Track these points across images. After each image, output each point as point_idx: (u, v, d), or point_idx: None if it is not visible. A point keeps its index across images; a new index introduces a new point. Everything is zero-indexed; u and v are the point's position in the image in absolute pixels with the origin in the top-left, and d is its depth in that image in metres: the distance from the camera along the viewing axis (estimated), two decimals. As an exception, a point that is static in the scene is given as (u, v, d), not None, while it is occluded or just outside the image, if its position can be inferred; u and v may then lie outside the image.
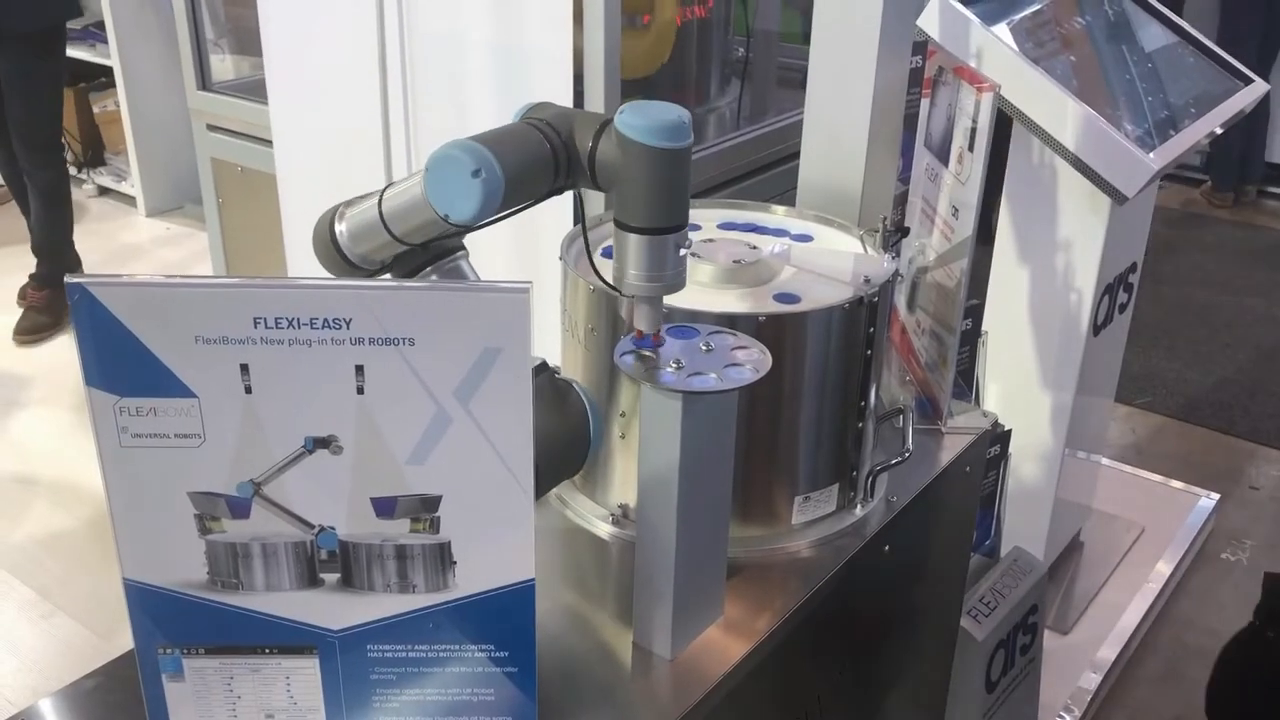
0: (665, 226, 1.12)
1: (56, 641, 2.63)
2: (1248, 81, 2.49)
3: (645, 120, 1.09)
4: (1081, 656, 2.49)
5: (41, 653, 2.61)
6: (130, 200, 5.18)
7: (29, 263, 4.19)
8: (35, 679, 2.53)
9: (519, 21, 2.24)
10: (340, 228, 1.28)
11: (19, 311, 4.11)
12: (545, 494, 1.40)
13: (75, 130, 5.35)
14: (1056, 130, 2.00)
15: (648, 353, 1.15)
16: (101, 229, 5.02)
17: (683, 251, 1.15)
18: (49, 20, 3.77)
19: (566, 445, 1.34)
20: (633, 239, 1.13)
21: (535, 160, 1.16)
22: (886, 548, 1.44)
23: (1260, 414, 3.66)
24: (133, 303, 0.90)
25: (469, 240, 1.33)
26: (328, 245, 1.29)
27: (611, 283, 1.18)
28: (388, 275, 1.31)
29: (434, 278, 1.30)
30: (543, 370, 1.33)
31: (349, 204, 1.29)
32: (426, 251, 1.30)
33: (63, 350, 3.92)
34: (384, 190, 1.25)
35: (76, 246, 4.27)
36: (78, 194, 5.35)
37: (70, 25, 5.26)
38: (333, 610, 1.02)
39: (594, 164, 1.15)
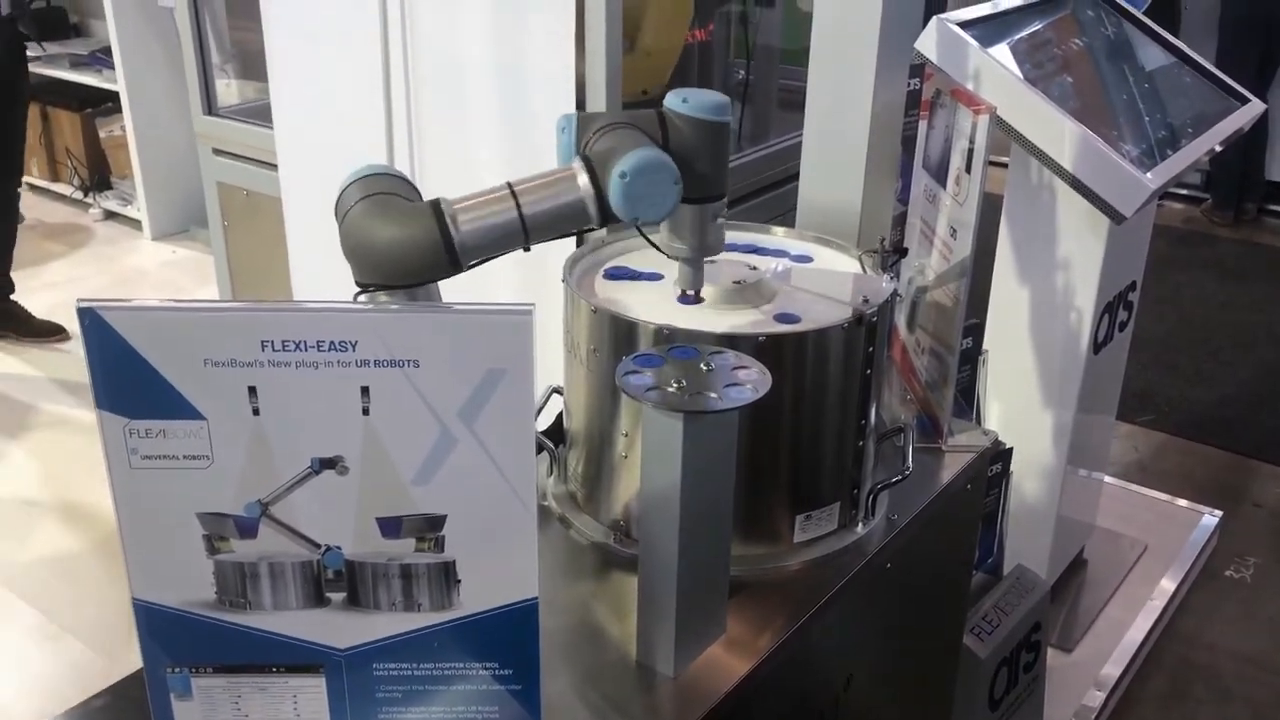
0: (707, 195, 1.33)
1: (63, 663, 2.64)
2: (1245, 101, 2.51)
3: (701, 100, 1.29)
4: (1085, 674, 2.49)
5: (49, 674, 2.61)
6: (136, 224, 5.21)
7: (43, 282, 4.23)
8: (42, 701, 2.53)
9: (522, 44, 2.27)
10: (462, 225, 1.25)
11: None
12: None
13: (81, 154, 5.39)
14: (1054, 151, 2.01)
15: (650, 372, 1.17)
16: (107, 252, 5.05)
17: (720, 220, 1.36)
18: None
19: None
20: (686, 209, 1.32)
21: None
22: (888, 566, 1.45)
23: (1263, 431, 3.66)
24: (142, 327, 0.92)
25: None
26: (431, 244, 1.25)
27: (665, 249, 1.37)
28: (383, 296, 1.30)
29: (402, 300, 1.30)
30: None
31: (456, 204, 1.27)
32: None
33: (69, 372, 3.94)
34: (513, 192, 1.27)
35: (85, 269, 4.26)
36: (84, 218, 5.39)
37: (77, 51, 5.34)
38: (339, 629, 1.03)
39: (669, 152, 1.27)
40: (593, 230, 1.33)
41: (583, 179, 1.26)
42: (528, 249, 1.31)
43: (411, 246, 1.25)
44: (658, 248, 1.41)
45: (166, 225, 5.20)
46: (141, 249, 5.12)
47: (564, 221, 1.29)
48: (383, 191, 1.29)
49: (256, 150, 3.24)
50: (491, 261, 1.36)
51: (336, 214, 1.30)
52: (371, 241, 1.25)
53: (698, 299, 1.41)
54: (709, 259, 1.41)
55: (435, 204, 1.27)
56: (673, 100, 1.30)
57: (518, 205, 1.27)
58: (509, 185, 1.28)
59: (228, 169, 3.38)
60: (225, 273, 3.57)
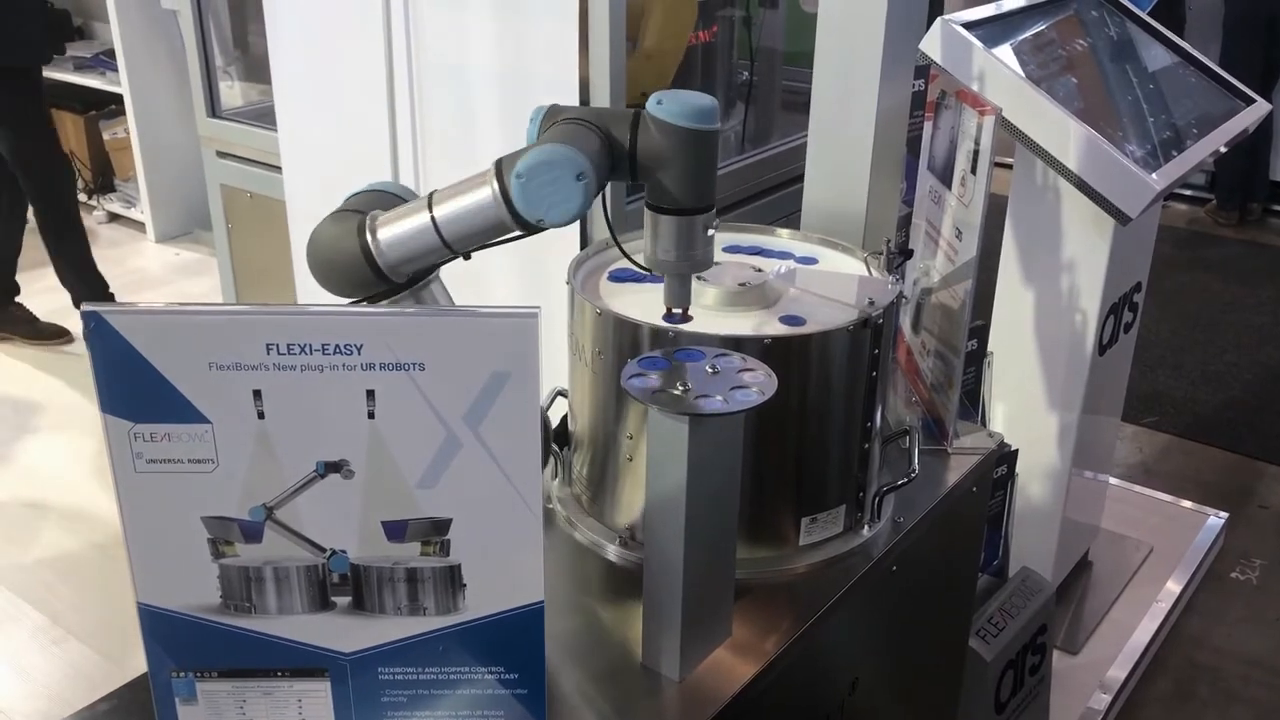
0: (695, 207, 1.24)
1: (68, 666, 2.64)
2: (1250, 102, 2.50)
3: (679, 105, 1.19)
4: (1091, 676, 2.48)
5: (53, 678, 2.61)
6: (140, 226, 5.22)
7: (47, 285, 4.25)
8: (47, 704, 2.53)
9: (525, 46, 2.27)
10: (379, 237, 1.26)
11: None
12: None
13: (85, 157, 5.39)
14: (1059, 151, 2.01)
15: (655, 374, 1.16)
16: (111, 255, 5.05)
17: (710, 231, 1.26)
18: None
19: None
20: (664, 220, 1.24)
21: (603, 158, 1.22)
22: (894, 568, 1.45)
23: (1268, 432, 3.65)
24: (147, 330, 0.92)
25: (478, 261, 1.33)
26: (353, 257, 1.26)
27: (644, 264, 1.29)
28: (386, 302, 1.31)
29: (408, 303, 1.30)
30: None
31: (375, 218, 1.27)
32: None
33: (73, 376, 3.94)
34: (429, 198, 1.25)
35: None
36: (88, 220, 5.39)
37: (81, 53, 5.35)
38: (344, 633, 1.03)
39: (634, 156, 1.22)
40: (521, 236, 1.25)
41: (493, 182, 1.21)
42: (467, 257, 1.27)
43: (342, 261, 1.26)
44: (632, 260, 1.33)
45: (170, 228, 5.21)
46: (145, 251, 5.12)
47: (483, 227, 1.23)
48: (352, 208, 1.29)
49: (260, 153, 3.24)
50: (495, 264, 1.36)
51: None
52: (314, 256, 1.27)
53: (684, 318, 1.30)
54: (699, 275, 1.34)
55: (364, 219, 1.26)
56: (651, 101, 1.23)
57: (432, 214, 1.24)
58: (430, 194, 1.26)
59: (231, 171, 3.38)
60: (229, 275, 3.57)
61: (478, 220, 1.23)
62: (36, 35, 3.91)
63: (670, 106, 1.20)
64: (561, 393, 1.55)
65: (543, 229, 1.22)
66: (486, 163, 1.24)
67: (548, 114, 1.28)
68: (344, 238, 1.26)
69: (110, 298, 4.23)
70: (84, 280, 4.19)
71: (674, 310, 1.30)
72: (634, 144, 1.22)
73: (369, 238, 1.26)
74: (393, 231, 1.26)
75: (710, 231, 1.27)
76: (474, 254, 1.29)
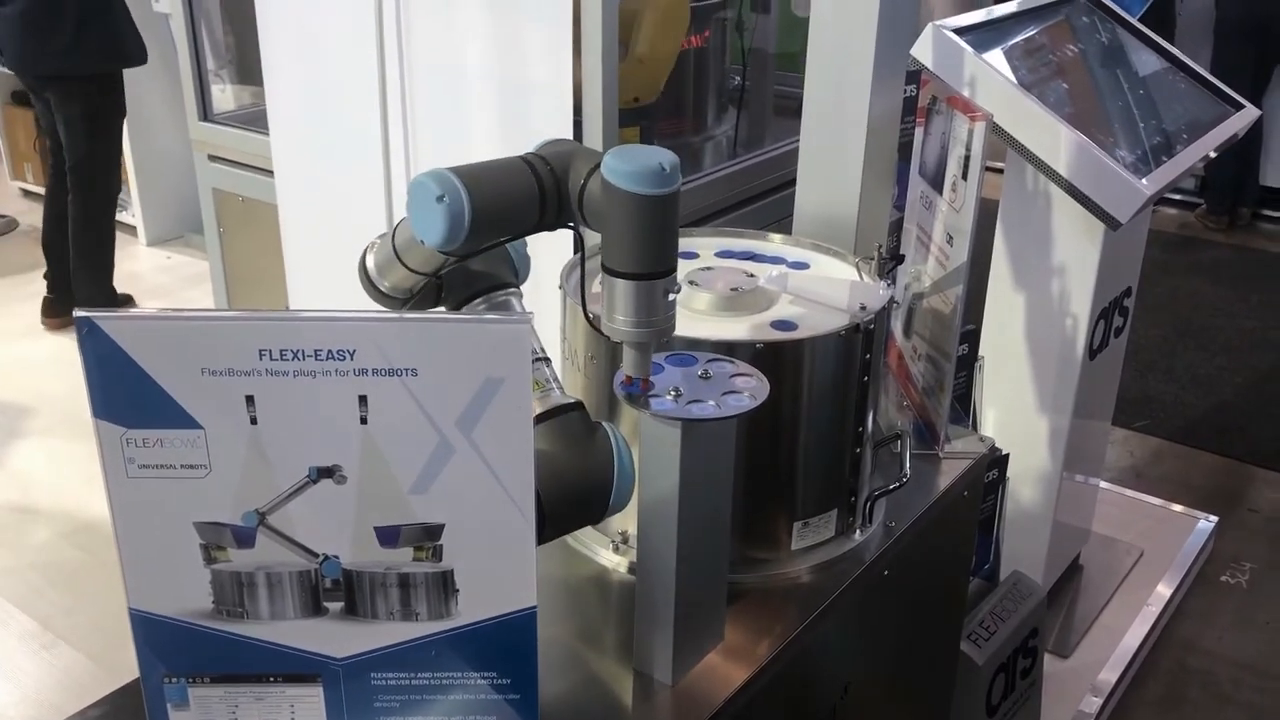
0: (651, 272, 1.10)
1: (58, 672, 2.63)
2: (1239, 107, 2.51)
3: (629, 165, 1.06)
4: (1082, 680, 2.49)
5: (43, 683, 2.60)
6: (132, 230, 5.21)
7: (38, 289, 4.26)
8: (37, 710, 2.52)
9: (518, 51, 2.27)
10: (369, 260, 1.34)
11: (27, 336, 4.21)
12: (560, 536, 1.23)
13: (77, 160, 5.37)
14: (1050, 157, 2.02)
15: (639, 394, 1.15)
16: (103, 259, 5.03)
17: (671, 296, 1.12)
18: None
19: (584, 490, 1.20)
20: (620, 284, 1.11)
21: (516, 193, 1.17)
22: (885, 573, 1.45)
23: (1258, 436, 3.66)
24: (139, 336, 0.92)
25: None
26: (364, 279, 1.36)
27: (600, 327, 1.16)
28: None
29: (482, 308, 1.33)
30: (575, 409, 1.23)
31: (382, 236, 1.33)
32: (476, 283, 1.33)
33: (65, 380, 3.93)
34: (399, 222, 1.29)
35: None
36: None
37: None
38: (337, 638, 1.03)
39: (583, 204, 1.16)
40: (456, 259, 1.26)
41: None
42: (439, 279, 1.31)
43: (361, 277, 1.36)
44: (594, 326, 1.22)
45: (162, 231, 5.20)
46: (137, 255, 5.11)
47: (414, 244, 1.22)
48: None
49: (252, 156, 3.24)
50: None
51: None
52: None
53: (645, 386, 1.14)
54: (684, 265, 1.34)
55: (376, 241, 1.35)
56: (607, 157, 1.09)
57: (394, 231, 1.29)
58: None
59: (223, 175, 3.38)
60: (221, 279, 3.57)
61: (414, 245, 1.22)
62: (135, 36, 4.00)
63: (616, 164, 1.07)
64: (554, 397, 1.54)
65: (455, 256, 1.21)
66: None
67: (542, 146, 1.25)
68: (361, 258, 1.35)
69: None
70: (101, 291, 4.20)
71: (632, 377, 1.14)
72: (583, 191, 1.15)
73: (368, 260, 1.34)
74: (377, 256, 1.34)
75: (671, 297, 1.13)
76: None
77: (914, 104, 1.79)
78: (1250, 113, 2.52)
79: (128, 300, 4.40)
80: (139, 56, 4.02)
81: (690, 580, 1.17)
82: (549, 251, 1.66)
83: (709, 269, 1.49)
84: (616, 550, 1.40)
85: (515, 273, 1.38)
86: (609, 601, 1.36)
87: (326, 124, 2.74)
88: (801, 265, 1.59)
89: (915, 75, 1.80)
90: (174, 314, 0.93)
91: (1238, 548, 3.09)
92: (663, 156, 1.07)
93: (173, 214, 5.16)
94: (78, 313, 0.91)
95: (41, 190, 4.38)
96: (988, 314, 2.35)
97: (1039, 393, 2.32)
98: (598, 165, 1.12)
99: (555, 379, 1.26)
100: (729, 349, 1.28)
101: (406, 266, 1.29)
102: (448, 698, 1.06)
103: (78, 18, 3.78)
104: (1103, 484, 2.95)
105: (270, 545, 0.99)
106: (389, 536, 1.00)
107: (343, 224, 2.75)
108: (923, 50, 1.98)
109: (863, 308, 1.41)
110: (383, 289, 1.34)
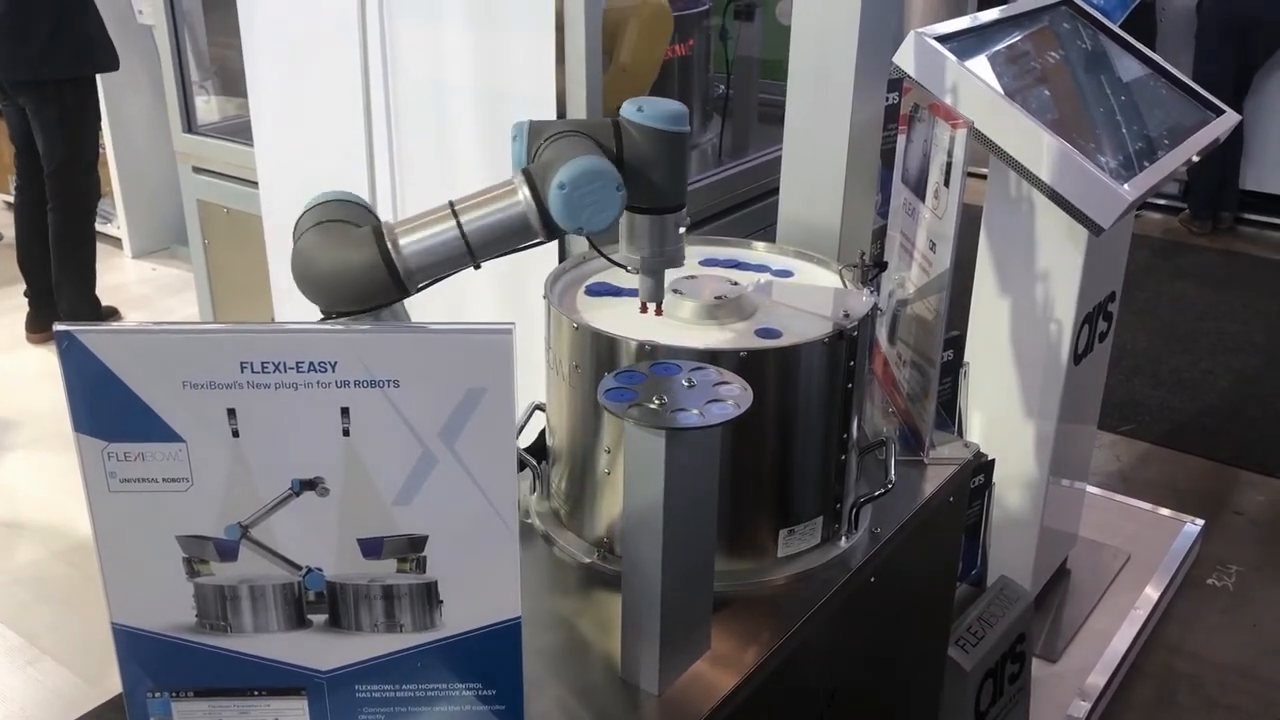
0: (672, 205, 1.31)
1: (43, 687, 2.61)
2: (1220, 112, 2.53)
3: (658, 110, 1.27)
4: (1070, 684, 2.49)
5: (29, 698, 2.59)
6: (116, 242, 5.19)
7: (22, 303, 4.24)
8: (22, 725, 2.51)
9: (502, 62, 2.27)
10: (401, 246, 1.25)
11: (13, 350, 4.18)
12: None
13: (61, 173, 5.35)
14: (1032, 163, 2.03)
15: (631, 388, 1.16)
16: (87, 271, 5.01)
17: (680, 229, 1.33)
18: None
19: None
20: (640, 220, 1.31)
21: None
22: (872, 579, 1.45)
23: (1243, 439, 3.68)
24: (120, 349, 0.92)
25: (462, 277, 1.33)
26: (370, 267, 1.25)
27: (619, 260, 1.36)
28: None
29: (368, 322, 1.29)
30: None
31: (393, 227, 1.27)
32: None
33: (49, 393, 3.92)
34: (452, 208, 1.27)
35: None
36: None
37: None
38: (321, 651, 1.03)
39: (622, 161, 1.27)
40: (541, 243, 1.31)
41: (524, 192, 1.25)
42: (477, 266, 1.29)
43: (356, 271, 1.25)
44: (610, 260, 1.42)
45: (147, 243, 5.18)
46: (122, 267, 5.09)
47: (509, 236, 1.28)
48: (333, 219, 1.28)
49: (237, 168, 3.23)
50: (472, 279, 1.36)
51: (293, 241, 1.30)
52: (317, 268, 1.25)
53: (658, 312, 1.39)
54: (671, 269, 1.38)
55: (377, 228, 1.27)
56: (628, 109, 1.28)
57: (459, 223, 1.26)
58: (450, 203, 1.28)
59: (208, 187, 3.37)
60: (206, 291, 3.56)
61: (505, 228, 1.27)
62: (107, 42, 4.01)
63: (651, 112, 1.27)
64: (539, 407, 1.55)
65: (586, 238, 1.29)
66: (463, 176, 1.25)
67: (531, 130, 1.31)
68: (357, 247, 1.25)
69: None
70: (85, 299, 4.18)
71: (648, 304, 1.37)
72: (620, 150, 1.28)
73: (389, 246, 1.25)
74: (417, 240, 1.26)
75: (680, 229, 1.34)
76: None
77: (896, 111, 1.80)
78: (1231, 118, 2.53)
79: (113, 312, 4.39)
80: (112, 63, 4.03)
81: (676, 589, 1.17)
82: (533, 262, 1.67)
83: (693, 277, 1.50)
84: (602, 559, 1.40)
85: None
86: (595, 611, 1.35)
87: (311, 136, 2.73)
88: (785, 273, 1.59)
89: (897, 83, 1.81)
90: (154, 327, 0.92)
91: (1224, 550, 3.10)
92: (676, 104, 1.29)
93: (158, 226, 5.15)
94: (58, 327, 0.91)
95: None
96: (972, 320, 2.35)
97: (1024, 398, 2.32)
98: (617, 125, 1.29)
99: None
100: (713, 357, 1.28)
101: (472, 255, 1.28)
102: (433, 709, 1.06)
103: (52, 23, 3.78)
104: (1089, 488, 2.95)
105: (253, 558, 0.99)
106: (372, 548, 1.00)
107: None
108: (905, 58, 1.99)
109: (846, 315, 1.41)
110: (405, 278, 1.26)
